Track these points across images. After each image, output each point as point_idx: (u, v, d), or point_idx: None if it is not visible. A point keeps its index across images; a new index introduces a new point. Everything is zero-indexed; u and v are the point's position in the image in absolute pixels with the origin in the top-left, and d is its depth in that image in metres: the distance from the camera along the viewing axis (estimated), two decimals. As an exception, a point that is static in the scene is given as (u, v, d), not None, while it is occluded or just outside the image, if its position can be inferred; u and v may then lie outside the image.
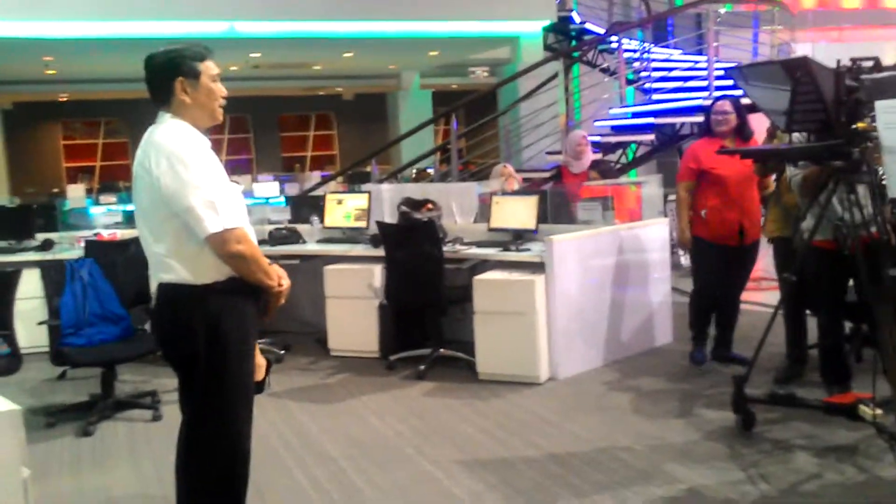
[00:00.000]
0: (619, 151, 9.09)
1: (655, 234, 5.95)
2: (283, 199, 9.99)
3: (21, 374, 5.11)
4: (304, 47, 13.33)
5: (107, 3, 10.25)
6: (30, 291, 5.56)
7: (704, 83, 8.43)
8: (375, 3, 11.20)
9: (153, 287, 2.83)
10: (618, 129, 8.80)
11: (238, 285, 2.76)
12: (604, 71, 9.95)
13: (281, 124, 22.53)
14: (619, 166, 8.86)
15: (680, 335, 5.96)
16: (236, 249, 2.68)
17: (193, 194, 2.62)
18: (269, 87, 18.38)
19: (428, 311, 5.75)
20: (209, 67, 2.81)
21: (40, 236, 6.92)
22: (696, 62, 9.35)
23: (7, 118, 17.47)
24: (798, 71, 3.70)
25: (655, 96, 9.02)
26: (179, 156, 2.65)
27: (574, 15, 11.63)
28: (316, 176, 14.53)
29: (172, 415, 3.13)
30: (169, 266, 2.73)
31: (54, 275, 4.97)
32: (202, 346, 2.73)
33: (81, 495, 3.77)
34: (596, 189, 6.26)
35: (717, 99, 5.42)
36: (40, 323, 4.85)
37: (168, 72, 2.76)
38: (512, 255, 5.45)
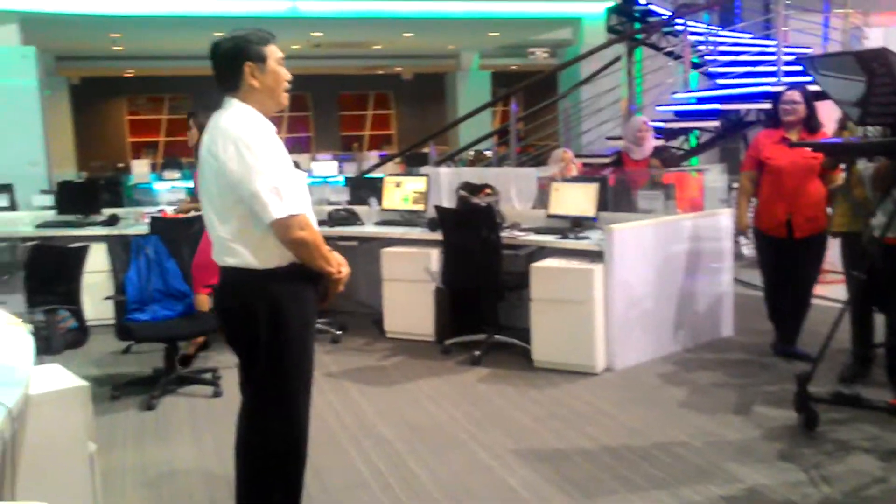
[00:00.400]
0: (682, 138, 8.91)
1: (718, 224, 5.82)
2: (342, 179, 10.04)
3: (88, 345, 5.30)
4: (365, 27, 13.36)
5: (173, -18, 10.44)
6: (97, 265, 5.73)
7: (773, 69, 8.19)
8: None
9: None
10: (681, 115, 8.62)
11: (299, 271, 2.80)
12: (668, 54, 9.74)
13: (340, 103, 22.66)
14: (681, 153, 8.68)
15: (742, 328, 5.86)
16: (299, 236, 2.72)
17: (259, 179, 2.66)
18: (329, 65, 18.48)
19: (484, 296, 5.74)
20: (274, 51, 2.84)
21: (106, 211, 7.08)
22: (765, 47, 9.09)
23: (75, 93, 17.93)
24: (875, 62, 3.58)
25: (721, 81, 8.80)
26: (246, 141, 2.68)
27: (639, -4, 11.39)
28: (374, 156, 14.58)
29: (233, 392, 3.18)
30: (233, 250, 2.77)
31: (120, 250, 5.08)
32: (264, 331, 2.78)
33: (144, 469, 3.86)
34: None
35: (788, 88, 5.28)
36: (107, 298, 4.98)
37: (236, 57, 2.79)
38: (570, 243, 5.39)
